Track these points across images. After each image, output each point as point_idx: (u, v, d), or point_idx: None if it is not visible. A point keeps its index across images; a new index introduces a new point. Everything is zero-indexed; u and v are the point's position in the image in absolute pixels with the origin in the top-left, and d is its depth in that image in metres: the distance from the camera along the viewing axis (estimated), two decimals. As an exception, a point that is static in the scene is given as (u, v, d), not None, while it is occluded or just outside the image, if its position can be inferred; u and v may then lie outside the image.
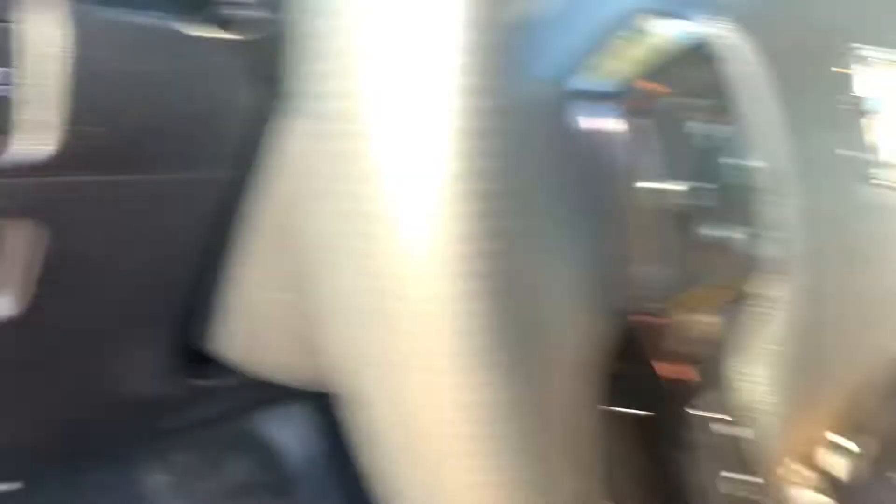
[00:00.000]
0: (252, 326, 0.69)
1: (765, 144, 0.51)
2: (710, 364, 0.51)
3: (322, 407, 1.40)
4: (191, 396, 0.82)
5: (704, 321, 0.50)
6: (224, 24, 0.50)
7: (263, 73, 0.55)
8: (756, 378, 0.52)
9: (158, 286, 0.64)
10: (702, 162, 0.49)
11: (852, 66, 0.61)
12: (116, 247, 0.59)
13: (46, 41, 0.47)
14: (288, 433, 1.48)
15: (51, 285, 0.58)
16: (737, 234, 0.49)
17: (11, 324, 0.59)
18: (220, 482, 1.44)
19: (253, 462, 1.48)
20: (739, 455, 0.52)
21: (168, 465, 1.40)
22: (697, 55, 0.50)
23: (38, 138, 0.49)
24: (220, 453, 1.47)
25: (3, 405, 0.68)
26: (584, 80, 0.47)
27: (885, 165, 0.61)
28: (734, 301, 0.51)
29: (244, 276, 0.66)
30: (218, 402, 0.88)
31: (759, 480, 0.52)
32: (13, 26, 0.46)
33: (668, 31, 0.50)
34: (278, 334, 0.68)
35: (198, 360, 0.78)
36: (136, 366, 0.72)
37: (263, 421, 1.42)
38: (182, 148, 0.56)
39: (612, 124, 0.46)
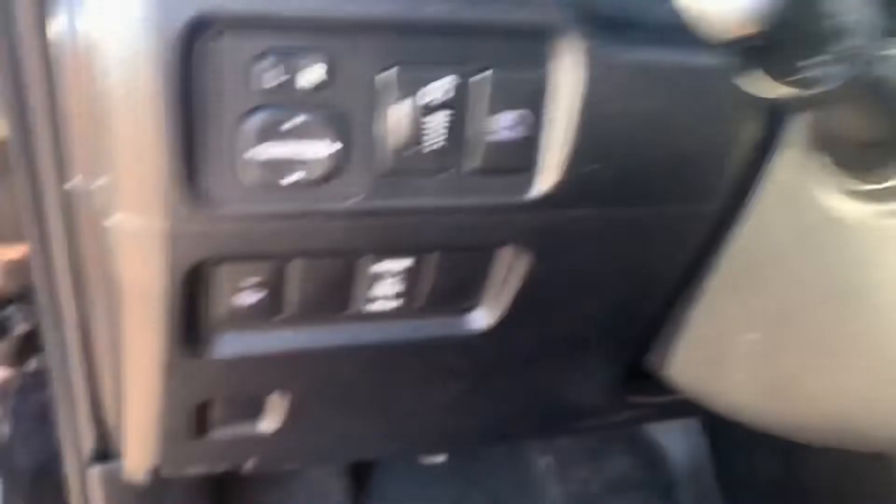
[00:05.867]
0: (711, 357, 0.66)
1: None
2: None
3: (710, 417, 1.34)
4: (622, 408, 0.82)
5: None
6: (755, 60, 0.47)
7: (768, 103, 0.50)
8: None
9: (625, 311, 0.64)
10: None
11: None
12: (594, 274, 0.59)
13: (570, 86, 0.47)
14: (674, 437, 1.44)
15: (525, 305, 0.60)
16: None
17: (483, 336, 0.62)
18: (598, 472, 1.45)
19: (635, 459, 1.47)
20: None
21: (551, 450, 1.45)
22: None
23: (545, 176, 0.51)
24: (601, 445, 1.49)
25: (464, 401, 0.74)
26: None
27: None
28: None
29: (712, 309, 0.63)
30: (638, 411, 0.87)
31: None
32: (547, 73, 0.47)
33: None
34: (737, 370, 0.65)
35: (638, 376, 0.78)
36: (584, 379, 0.74)
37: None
38: (676, 181, 0.54)
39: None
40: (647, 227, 0.56)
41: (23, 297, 0.90)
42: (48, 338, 0.79)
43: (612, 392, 0.76)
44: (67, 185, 0.48)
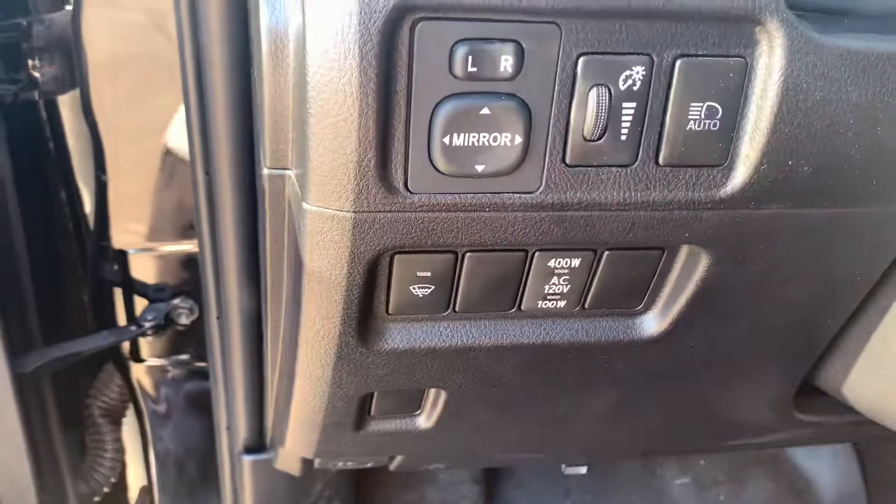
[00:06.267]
0: (891, 376, 0.61)
1: None
2: None
3: (866, 443, 1.25)
4: (788, 427, 0.78)
5: None
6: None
7: None
8: None
9: (808, 321, 0.60)
10: None
11: None
12: (778, 279, 0.56)
13: (771, 74, 0.45)
14: (822, 463, 1.36)
15: (699, 310, 0.58)
16: None
17: (651, 342, 0.60)
18: (737, 497, 1.38)
19: (778, 484, 1.39)
20: None
21: (689, 469, 1.40)
22: None
23: (738, 172, 0.48)
24: (741, 467, 1.42)
25: (620, 410, 0.72)
26: None
27: None
28: None
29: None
30: (802, 431, 0.82)
31: None
32: (749, 61, 0.45)
33: None
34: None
35: (808, 393, 0.73)
36: (753, 394, 0.70)
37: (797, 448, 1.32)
38: (877, 181, 0.50)
39: None
40: (842, 230, 0.53)
41: (188, 290, 0.94)
42: (211, 330, 0.83)
43: (781, 409, 0.72)
44: (262, 174, 0.50)
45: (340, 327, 0.54)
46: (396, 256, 0.50)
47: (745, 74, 0.45)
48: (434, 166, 0.45)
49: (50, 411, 0.93)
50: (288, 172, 0.49)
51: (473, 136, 0.44)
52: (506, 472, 1.32)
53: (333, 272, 0.49)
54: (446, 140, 0.44)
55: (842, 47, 0.45)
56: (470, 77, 0.42)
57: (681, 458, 1.36)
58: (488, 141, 0.44)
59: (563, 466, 0.98)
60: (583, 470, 0.99)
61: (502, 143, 0.44)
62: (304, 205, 0.46)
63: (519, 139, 0.44)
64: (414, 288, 0.53)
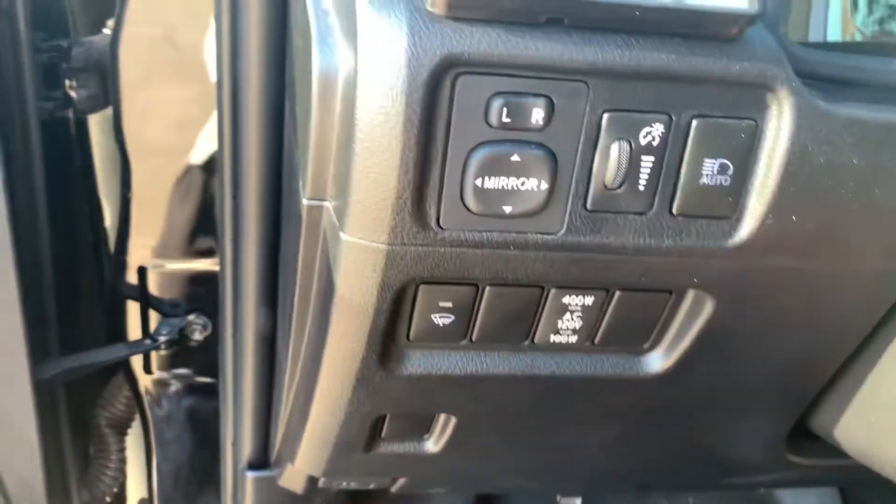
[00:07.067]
0: (888, 421, 0.65)
1: None
2: None
3: (847, 494, 1.28)
4: (779, 469, 0.81)
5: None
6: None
7: None
8: None
9: (805, 366, 0.64)
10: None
11: None
12: (779, 326, 0.60)
13: (779, 136, 0.49)
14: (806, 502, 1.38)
15: (702, 351, 0.61)
16: None
17: (655, 379, 0.63)
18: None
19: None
20: None
21: (673, 500, 1.41)
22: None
23: (745, 224, 0.52)
24: (725, 502, 1.43)
25: (619, 443, 0.75)
26: None
27: None
28: None
29: (894, 370, 0.62)
30: (792, 473, 0.85)
31: None
32: (758, 123, 0.49)
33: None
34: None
35: (800, 436, 0.76)
36: (749, 433, 0.73)
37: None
38: (877, 240, 0.54)
39: None
40: (842, 283, 0.56)
41: (202, 308, 0.97)
42: (225, 347, 0.85)
43: (774, 449, 0.75)
44: (303, 203, 0.53)
45: (364, 352, 0.57)
46: (421, 286, 0.54)
47: (755, 135, 0.49)
48: (465, 206, 0.48)
49: (61, 419, 0.96)
50: (326, 204, 0.53)
51: (503, 180, 0.47)
52: (499, 500, 1.34)
53: (363, 299, 0.53)
54: (478, 182, 0.47)
55: (846, 115, 0.49)
56: (503, 126, 0.46)
57: (672, 496, 1.38)
58: (517, 185, 0.48)
59: (559, 497, 1.01)
60: (577, 502, 1.02)
61: (529, 188, 0.48)
62: (342, 234, 0.50)
63: (545, 185, 0.48)
64: (435, 317, 0.56)
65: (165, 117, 0.90)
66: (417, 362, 0.60)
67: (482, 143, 0.46)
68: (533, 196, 0.48)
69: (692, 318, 0.58)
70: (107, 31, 0.86)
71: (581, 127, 0.47)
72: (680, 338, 0.60)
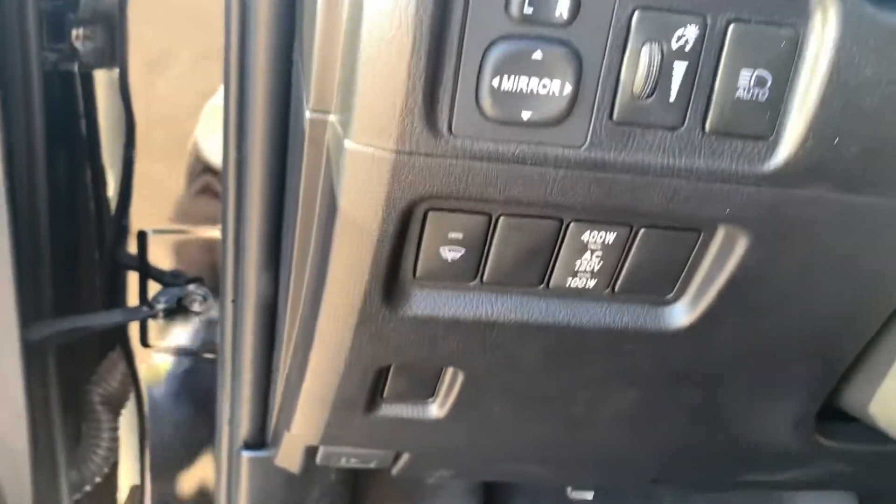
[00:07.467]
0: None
1: None
2: None
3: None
4: (806, 455, 0.75)
5: None
6: None
7: None
8: None
9: (841, 323, 0.59)
10: None
11: None
12: (815, 270, 0.55)
13: (823, 46, 0.45)
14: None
15: (731, 301, 0.56)
16: None
17: (679, 334, 0.58)
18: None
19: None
20: None
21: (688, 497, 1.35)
22: None
23: (783, 147, 0.48)
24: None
25: (647, 416, 0.69)
26: None
27: None
28: None
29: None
30: (819, 468, 0.79)
31: None
32: (801, 31, 0.45)
33: None
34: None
35: (829, 417, 0.71)
36: (777, 408, 0.68)
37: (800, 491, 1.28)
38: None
39: None
40: (883, 223, 0.52)
41: (202, 278, 0.94)
42: (225, 314, 0.81)
43: (803, 430, 0.70)
44: (306, 116, 0.49)
45: (367, 286, 0.53)
46: (430, 213, 0.50)
47: (796, 44, 0.45)
48: (480, 109, 0.44)
49: (51, 389, 0.92)
50: (330, 117, 0.49)
51: (523, 80, 0.43)
52: (505, 498, 1.29)
53: (367, 220, 0.49)
54: (495, 83, 0.43)
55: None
56: (525, 19, 0.42)
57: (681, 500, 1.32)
58: (537, 88, 0.44)
59: (569, 490, 0.95)
60: (589, 496, 0.97)
61: (551, 92, 0.44)
62: (346, 142, 0.46)
63: (569, 88, 0.44)
64: (444, 249, 0.52)
65: (174, 77, 0.88)
66: (424, 302, 0.55)
67: (501, 38, 0.43)
68: (555, 101, 0.44)
69: (721, 261, 0.54)
70: (117, -18, 0.84)
71: (609, 25, 0.43)
72: (707, 286, 0.56)
